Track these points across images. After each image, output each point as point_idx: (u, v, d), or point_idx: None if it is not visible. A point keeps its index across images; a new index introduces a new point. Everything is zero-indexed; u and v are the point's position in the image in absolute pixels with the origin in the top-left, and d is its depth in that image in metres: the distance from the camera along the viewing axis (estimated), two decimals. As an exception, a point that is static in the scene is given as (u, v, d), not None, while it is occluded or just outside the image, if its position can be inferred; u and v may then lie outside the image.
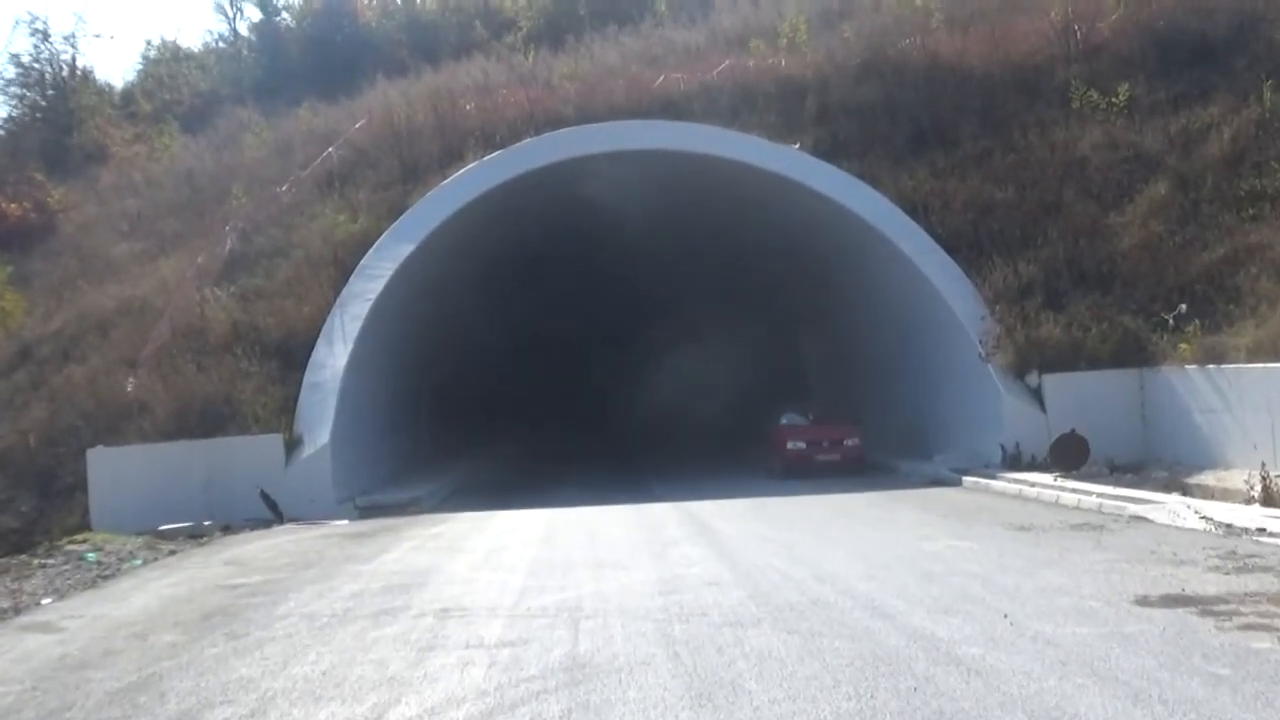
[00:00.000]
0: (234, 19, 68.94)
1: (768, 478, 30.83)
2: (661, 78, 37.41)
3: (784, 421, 32.18)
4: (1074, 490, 20.67)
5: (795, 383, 42.49)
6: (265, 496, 24.73)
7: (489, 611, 12.28)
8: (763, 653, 9.61)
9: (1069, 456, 23.87)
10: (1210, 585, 11.70)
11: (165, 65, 67.17)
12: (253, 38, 66.79)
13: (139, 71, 67.14)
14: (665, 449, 42.36)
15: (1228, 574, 12.30)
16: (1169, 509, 17.40)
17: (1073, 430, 24.20)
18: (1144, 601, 11.03)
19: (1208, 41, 31.84)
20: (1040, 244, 28.56)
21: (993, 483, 23.81)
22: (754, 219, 34.77)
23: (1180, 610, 10.56)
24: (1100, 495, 19.60)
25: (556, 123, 34.07)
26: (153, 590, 15.38)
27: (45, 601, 15.08)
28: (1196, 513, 16.72)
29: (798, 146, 32.11)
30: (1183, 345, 24.47)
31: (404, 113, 38.00)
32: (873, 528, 18.26)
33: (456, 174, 31.86)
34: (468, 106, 37.92)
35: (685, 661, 9.43)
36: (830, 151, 32.06)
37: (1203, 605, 10.73)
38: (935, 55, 35.70)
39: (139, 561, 18.72)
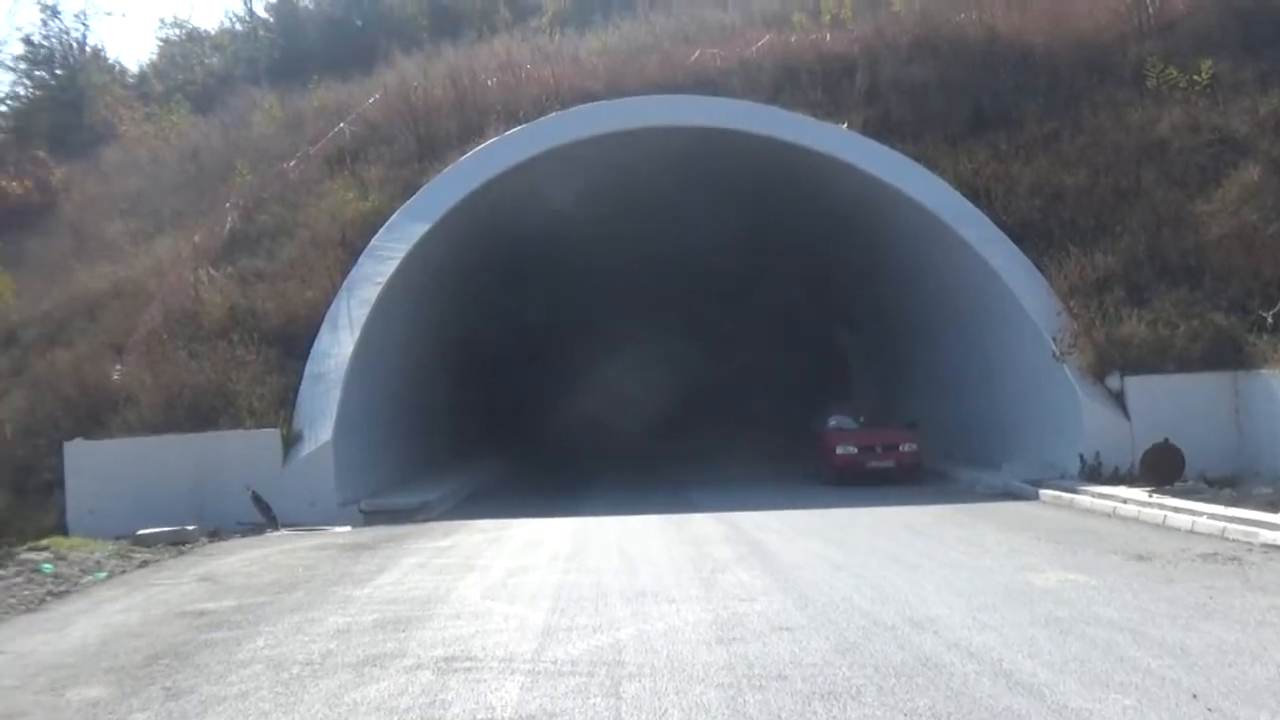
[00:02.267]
0: (250, -1, 66.74)
1: (814, 485, 28.25)
2: (697, 53, 34.78)
3: (832, 424, 29.51)
4: (1180, 510, 17.95)
5: (836, 380, 39.86)
6: (257, 498, 22.23)
7: (503, 664, 9.69)
8: (877, 746, 7.01)
9: (1161, 469, 21.13)
10: None
11: (179, 45, 65.36)
12: (269, 18, 64.49)
13: (155, 52, 65.22)
14: (700, 450, 39.72)
15: None
16: (1309, 536, 14.76)
17: (1166, 439, 21.45)
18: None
19: (1295, 16, 29.18)
20: (1118, 233, 25.97)
21: (1077, 497, 21.08)
22: (798, 203, 32.11)
23: None
24: (1215, 517, 16.88)
25: (584, 99, 31.48)
26: (101, 616, 12.82)
27: (-30, 629, 12.58)
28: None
29: (845, 126, 29.53)
30: (1291, 346, 21.94)
31: (421, 88, 35.44)
32: (958, 551, 15.58)
33: (475, 149, 29.30)
34: (489, 82, 35.37)
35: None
36: (881, 132, 29.53)
37: None
38: (993, 31, 33.13)
39: (103, 575, 16.18)
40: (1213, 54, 28.97)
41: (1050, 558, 14.56)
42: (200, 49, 64.57)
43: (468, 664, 9.72)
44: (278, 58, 57.20)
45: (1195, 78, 28.22)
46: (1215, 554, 14.31)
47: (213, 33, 66.82)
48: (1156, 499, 19.39)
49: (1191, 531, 16.57)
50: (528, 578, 14.40)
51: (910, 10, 36.02)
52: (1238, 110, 27.76)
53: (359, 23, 59.25)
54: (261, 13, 64.97)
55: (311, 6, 63.41)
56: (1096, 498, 20.66)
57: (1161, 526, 17.43)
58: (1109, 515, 19.20)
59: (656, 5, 46.72)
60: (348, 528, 21.80)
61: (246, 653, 10.52)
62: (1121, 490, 20.70)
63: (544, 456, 40.99)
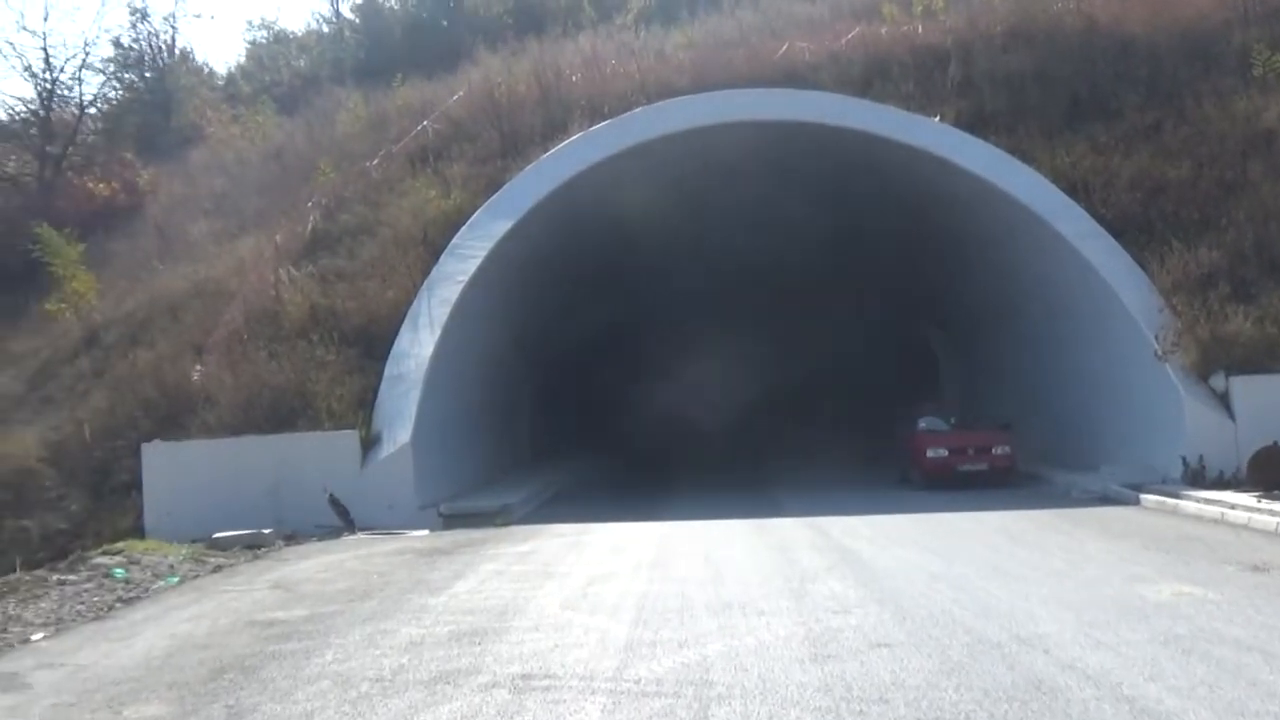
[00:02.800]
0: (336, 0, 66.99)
1: (904, 488, 27.44)
2: (784, 47, 34.06)
3: (922, 426, 28.63)
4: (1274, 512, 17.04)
5: (925, 381, 38.91)
6: (334, 501, 21.86)
7: (583, 682, 9.11)
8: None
9: (1270, 473, 20.10)
10: None
11: (266, 48, 65.80)
12: (355, 19, 64.67)
13: (242, 54, 65.72)
14: (785, 452, 38.99)
15: None
16: None
17: (1276, 443, 20.42)
18: None
19: None
20: (1224, 227, 24.97)
21: (1181, 503, 20.12)
22: (887, 198, 31.21)
23: None
24: None
25: (669, 94, 30.84)
26: (169, 625, 12.41)
27: (36, 637, 12.18)
28: None
29: (938, 119, 28.68)
30: None
31: (505, 85, 35.03)
32: (1060, 560, 14.79)
33: (558, 146, 28.76)
34: (573, 78, 34.93)
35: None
36: (975, 125, 28.68)
37: None
38: (1091, 19, 32.08)
39: (175, 579, 15.84)
40: (1321, 41, 27.84)
41: (1160, 568, 13.72)
42: (287, 50, 65.04)
43: (546, 682, 9.15)
44: (363, 58, 57.32)
45: (1307, 64, 27.12)
46: (1339, 565, 13.43)
47: (299, 34, 67.46)
48: (1266, 504, 18.45)
49: None
50: (609, 586, 13.82)
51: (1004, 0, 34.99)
52: (1352, 100, 26.61)
53: (444, 22, 59.23)
54: (348, 14, 65.42)
55: (396, 7, 63.51)
56: (1202, 503, 19.70)
57: (1275, 534, 16.50)
58: (1217, 521, 18.27)
59: (741, 1, 46.08)
60: (426, 531, 21.37)
61: (315, 667, 10.03)
62: (1228, 495, 19.76)
63: (628, 458, 40.49)
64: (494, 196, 27.70)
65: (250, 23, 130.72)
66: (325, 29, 66.80)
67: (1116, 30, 31.21)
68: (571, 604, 12.69)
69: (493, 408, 31.25)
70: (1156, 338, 23.33)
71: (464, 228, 27.04)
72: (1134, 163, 26.99)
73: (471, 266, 26.28)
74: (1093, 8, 32.54)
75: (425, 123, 33.51)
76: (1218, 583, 12.50)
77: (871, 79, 31.19)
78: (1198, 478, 21.84)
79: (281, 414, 23.66)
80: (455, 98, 35.42)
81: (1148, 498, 21.14)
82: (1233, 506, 18.77)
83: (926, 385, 38.55)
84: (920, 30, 33.75)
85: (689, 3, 51.75)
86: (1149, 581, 12.71)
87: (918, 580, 13.27)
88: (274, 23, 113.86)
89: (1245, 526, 17.48)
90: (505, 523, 22.55)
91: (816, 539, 17.88)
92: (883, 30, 34.31)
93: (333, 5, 67.96)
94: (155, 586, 15.24)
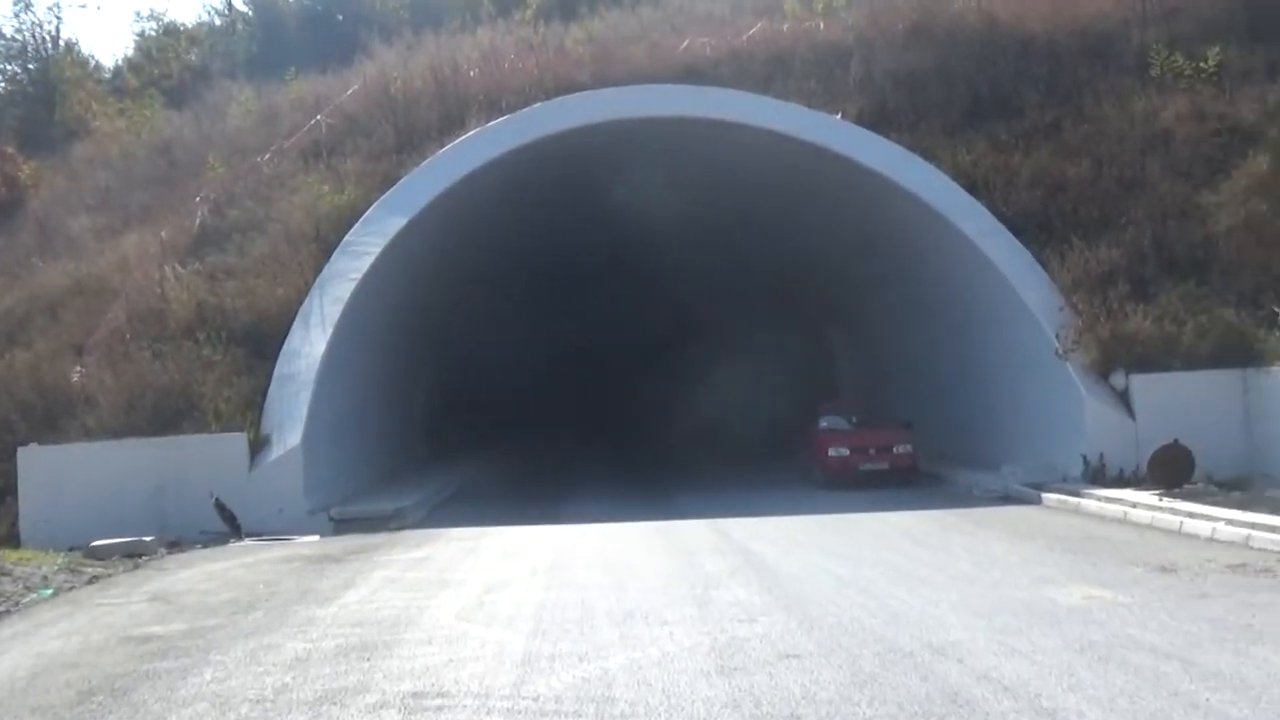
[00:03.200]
0: (229, -7, 65.50)
1: (804, 488, 27.16)
2: (685, 42, 33.70)
3: (824, 425, 28.40)
4: (1196, 515, 16.95)
5: (825, 380, 38.76)
6: (220, 506, 21.04)
7: (478, 700, 8.58)
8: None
9: (1171, 471, 20.10)
10: None
11: (155, 40, 64.10)
12: (248, 11, 63.23)
13: (130, 46, 64.01)
14: (686, 452, 38.59)
15: None
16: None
17: (1176, 440, 20.41)
18: None
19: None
20: (1123, 225, 25.02)
21: (1083, 502, 20.06)
22: (789, 196, 31.00)
23: None
24: (1236, 523, 15.86)
25: (569, 90, 30.25)
26: (37, 643, 11.66)
27: (-109, 658, 11.40)
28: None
29: (839, 116, 28.47)
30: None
31: (401, 79, 34.25)
32: (967, 563, 14.55)
33: (455, 141, 28.13)
34: (471, 73, 34.21)
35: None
36: (876, 122, 28.46)
37: None
38: (992, 18, 32.00)
39: (49, 592, 15.03)
40: (1218, 41, 27.99)
41: (1068, 570, 13.52)
42: (177, 43, 63.17)
43: (438, 701, 8.62)
44: (256, 52, 55.90)
45: (1201, 65, 27.23)
46: (1244, 565, 13.31)
47: (190, 26, 65.57)
48: (1168, 503, 18.42)
49: (1212, 539, 15.62)
50: (506, 595, 13.30)
51: (905, -2, 34.93)
52: (1245, 99, 26.81)
53: (339, 16, 58.10)
54: (240, 6, 63.88)
55: (292, 1, 62.23)
56: (1104, 502, 19.70)
57: (1178, 533, 16.47)
58: (1120, 521, 18.23)
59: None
60: (316, 537, 20.67)
61: (191, 688, 9.39)
62: (1129, 494, 19.75)
63: (526, 457, 39.82)
64: (388, 192, 26.98)
65: (139, 14, 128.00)
66: (217, 21, 65.16)
67: (1017, 28, 31.20)
68: (467, 614, 12.16)
69: (389, 407, 30.53)
70: (1057, 336, 23.29)
71: (358, 224, 26.30)
72: (1034, 161, 26.97)
73: (365, 264, 25.54)
74: (993, 6, 32.45)
75: (318, 117, 32.59)
76: (1127, 585, 12.30)
77: (773, 75, 30.88)
78: (1098, 476, 21.83)
79: (166, 416, 22.77)
80: (350, 92, 34.51)
81: (1050, 497, 21.08)
82: (1135, 505, 18.73)
83: (826, 384, 38.36)
84: (822, 27, 33.51)
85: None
86: (1058, 584, 12.49)
87: (825, 586, 12.93)
88: (164, 14, 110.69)
89: (1149, 526, 17.42)
90: (399, 527, 21.89)
91: (719, 542, 17.52)
92: (784, 27, 34.05)
93: (225, -2, 66.32)
94: (26, 600, 14.42)
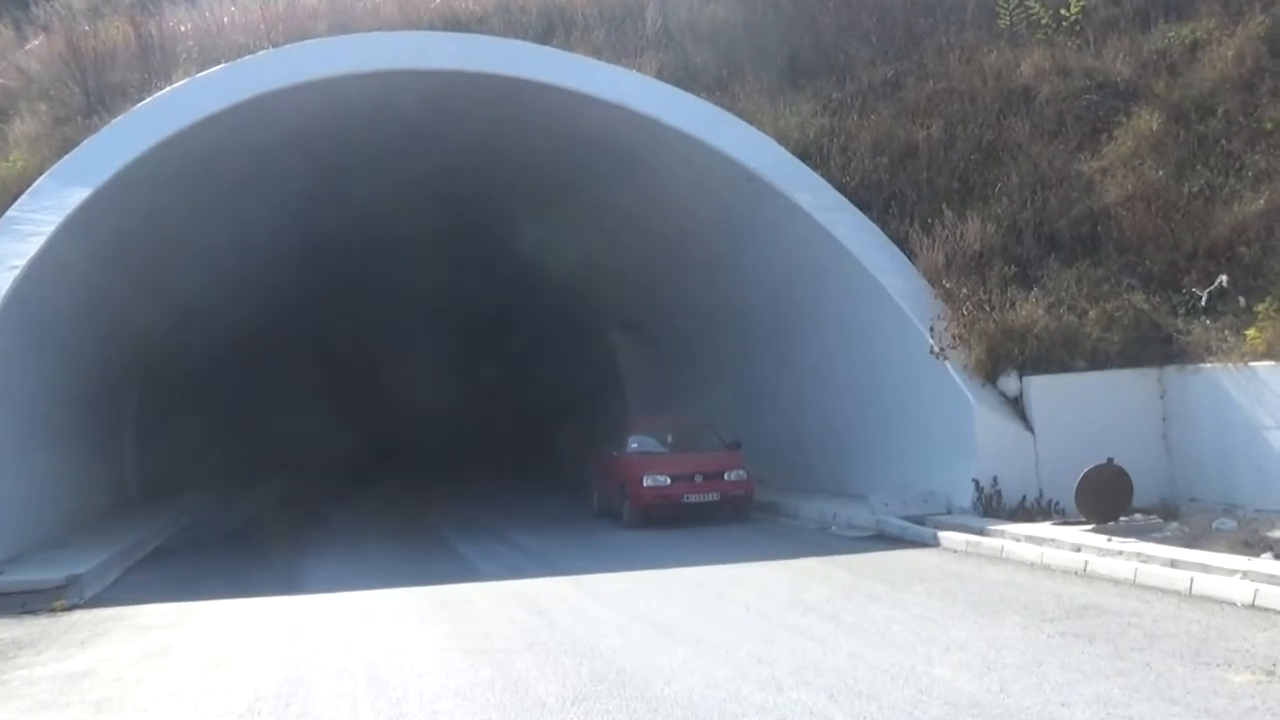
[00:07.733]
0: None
1: (611, 527, 21.84)
2: (444, -8, 28.24)
3: (633, 447, 22.91)
4: (1146, 558, 12.62)
5: (614, 394, 33.45)
6: None
7: None
8: None
9: (1106, 500, 15.51)
10: None
11: None
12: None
13: None
14: (458, 482, 33.01)
15: None
16: None
17: (1110, 460, 15.80)
18: None
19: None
20: (993, 196, 20.71)
21: (1004, 544, 15.13)
22: (568, 166, 25.81)
23: None
24: (1205, 568, 11.50)
25: (303, 46, 24.64)
26: None
27: None
28: None
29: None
30: (1250, 332, 16.77)
31: (93, 32, 27.92)
32: (866, 644, 9.49)
33: (157, 95, 22.05)
34: (181, 27, 28.10)
35: None
36: (680, 81, 23.84)
37: None
38: (805, -33, 27.59)
39: None
40: (1072, -13, 24.11)
41: (1007, 651, 8.43)
42: None
43: None
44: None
45: (1064, 13, 23.21)
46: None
47: None
48: (1118, 543, 13.82)
49: (1189, 595, 11.15)
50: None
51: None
52: (1115, 51, 22.85)
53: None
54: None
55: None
56: (1027, 543, 14.97)
57: (1133, 585, 12.04)
58: (1079, 574, 13.35)
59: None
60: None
61: None
62: (1059, 531, 15.15)
63: (263, 489, 33.22)
64: (65, 158, 20.70)
65: None
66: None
67: (834, -22, 26.85)
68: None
69: (78, 435, 23.99)
70: (931, 330, 18.71)
71: (24, 197, 19.95)
72: (874, 124, 22.62)
73: (35, 245, 19.14)
74: (808, -47, 28.09)
75: (-14, 75, 26.23)
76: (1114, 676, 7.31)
77: (554, 29, 25.88)
78: (993, 506, 17.31)
79: None
80: (28, 47, 28.11)
81: (949, 537, 16.18)
82: (1077, 548, 14.05)
83: (616, 400, 33.07)
84: (609, -23, 28.56)
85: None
86: (1001, 670, 7.52)
87: (701, 693, 7.58)
88: None
89: (1097, 576, 12.74)
90: (67, 607, 15.60)
91: (538, 628, 11.97)
92: (566, -24, 28.95)
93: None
94: None
